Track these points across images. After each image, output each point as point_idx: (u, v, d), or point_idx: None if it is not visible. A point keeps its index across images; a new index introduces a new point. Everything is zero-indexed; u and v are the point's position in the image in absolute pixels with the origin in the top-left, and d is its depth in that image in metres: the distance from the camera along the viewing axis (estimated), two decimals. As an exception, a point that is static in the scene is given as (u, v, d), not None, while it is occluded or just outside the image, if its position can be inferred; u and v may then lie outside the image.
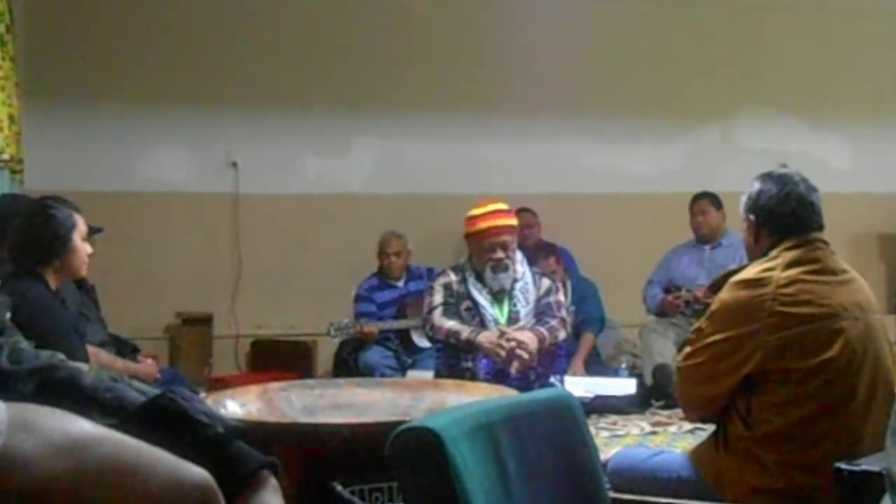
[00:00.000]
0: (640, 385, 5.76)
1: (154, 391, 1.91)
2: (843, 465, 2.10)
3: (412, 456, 1.69)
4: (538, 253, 6.22)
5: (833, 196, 7.25)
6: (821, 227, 2.88)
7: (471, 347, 4.55)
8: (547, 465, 1.96)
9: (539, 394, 2.31)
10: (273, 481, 1.26)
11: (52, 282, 3.51)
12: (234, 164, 6.94)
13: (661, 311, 6.33)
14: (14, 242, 3.55)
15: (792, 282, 2.73)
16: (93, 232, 4.33)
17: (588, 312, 6.41)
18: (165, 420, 1.24)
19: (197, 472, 1.05)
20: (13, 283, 3.26)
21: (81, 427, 0.96)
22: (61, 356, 2.48)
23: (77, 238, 3.53)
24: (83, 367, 2.38)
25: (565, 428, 2.05)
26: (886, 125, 8.09)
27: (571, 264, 6.71)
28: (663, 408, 5.63)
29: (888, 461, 1.54)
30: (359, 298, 6.40)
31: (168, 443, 1.08)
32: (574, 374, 5.75)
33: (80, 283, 4.41)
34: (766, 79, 7.82)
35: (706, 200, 6.48)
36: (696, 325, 2.92)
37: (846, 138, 8.10)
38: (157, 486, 1.01)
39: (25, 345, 2.60)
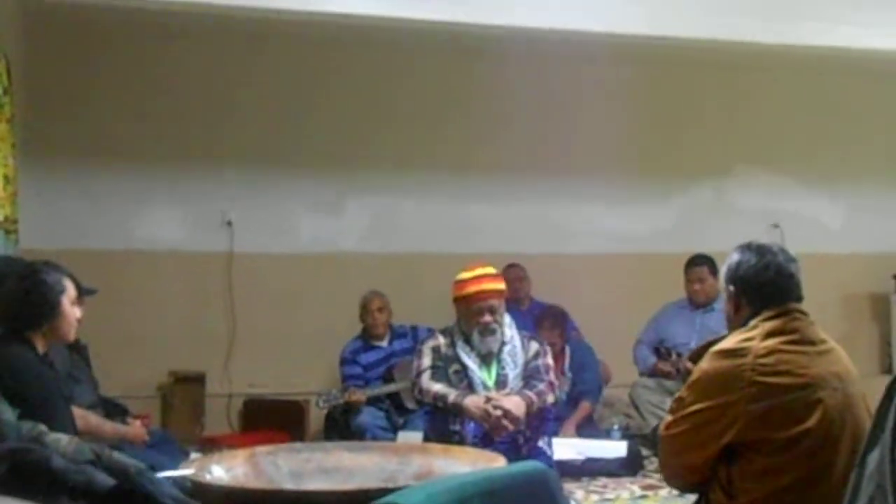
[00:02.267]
0: (632, 447, 5.74)
1: (131, 462, 1.94)
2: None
3: (383, 533, 1.72)
4: (544, 320, 6.25)
5: (825, 256, 7.46)
6: (799, 298, 2.91)
7: (458, 411, 4.56)
8: (521, 539, 1.98)
9: (516, 467, 2.33)
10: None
11: (41, 346, 3.53)
12: (229, 223, 6.99)
13: (652, 374, 6.34)
14: (3, 306, 3.58)
15: (771, 352, 2.76)
16: (86, 293, 4.37)
17: (587, 382, 6.41)
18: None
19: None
20: (0, 348, 3.28)
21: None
22: (42, 428, 2.52)
23: (66, 303, 3.55)
24: (63, 438, 2.41)
25: (540, 501, 2.07)
26: (879, 185, 8.13)
27: (571, 328, 6.70)
28: (656, 470, 5.61)
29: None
30: (344, 362, 6.40)
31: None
32: (565, 437, 5.74)
33: (72, 344, 4.43)
34: (759, 138, 7.88)
35: (704, 268, 6.39)
36: (678, 394, 2.95)
37: (839, 198, 8.13)
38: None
39: (8, 414, 2.64)
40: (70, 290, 3.58)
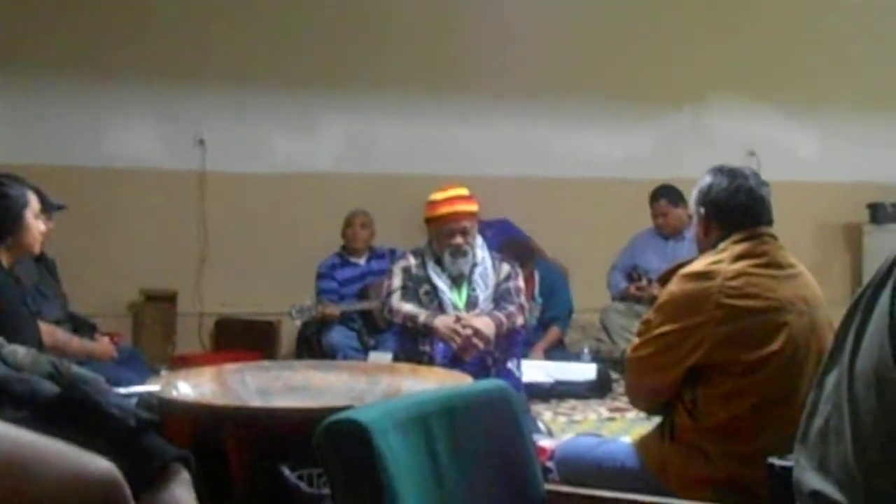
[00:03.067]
0: (601, 370, 5.77)
1: (89, 375, 1.91)
2: (774, 460, 2.12)
3: (339, 447, 1.70)
4: (505, 250, 6.15)
5: (800, 185, 7.45)
6: (770, 222, 2.90)
7: (428, 331, 4.55)
8: (481, 456, 1.97)
9: (476, 385, 2.32)
10: (185, 475, 1.26)
11: (5, 259, 3.49)
12: (202, 142, 6.91)
13: (623, 298, 6.36)
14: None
15: (739, 274, 2.76)
16: (55, 209, 4.32)
17: (557, 307, 6.41)
18: (77, 413, 1.24)
19: (101, 465, 1.05)
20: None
21: (-25, 425, 0.96)
22: (1, 340, 2.48)
23: (29, 216, 3.50)
24: (20, 350, 2.38)
25: (502, 419, 2.06)
26: (856, 114, 8.10)
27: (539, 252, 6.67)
28: (624, 394, 5.64)
29: (796, 469, 1.56)
30: (320, 276, 6.39)
31: (79, 436, 1.08)
32: (533, 360, 5.76)
33: (39, 258, 4.39)
34: (739, 64, 7.82)
35: (664, 201, 6.37)
36: (645, 316, 2.95)
37: (815, 127, 8.12)
38: (56, 480, 1.01)
39: (-35, 326, 2.61)
40: (33, 202, 3.53)
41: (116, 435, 1.22)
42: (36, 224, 3.53)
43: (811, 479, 1.54)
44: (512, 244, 6.28)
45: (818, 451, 1.55)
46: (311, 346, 6.19)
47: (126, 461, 1.08)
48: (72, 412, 1.24)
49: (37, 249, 3.64)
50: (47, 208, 4.12)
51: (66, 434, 1.06)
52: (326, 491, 2.72)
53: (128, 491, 1.05)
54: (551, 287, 6.43)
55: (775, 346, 2.71)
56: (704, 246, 2.95)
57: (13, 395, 1.28)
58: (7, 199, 3.46)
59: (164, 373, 4.73)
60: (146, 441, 1.25)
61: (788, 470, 2.13)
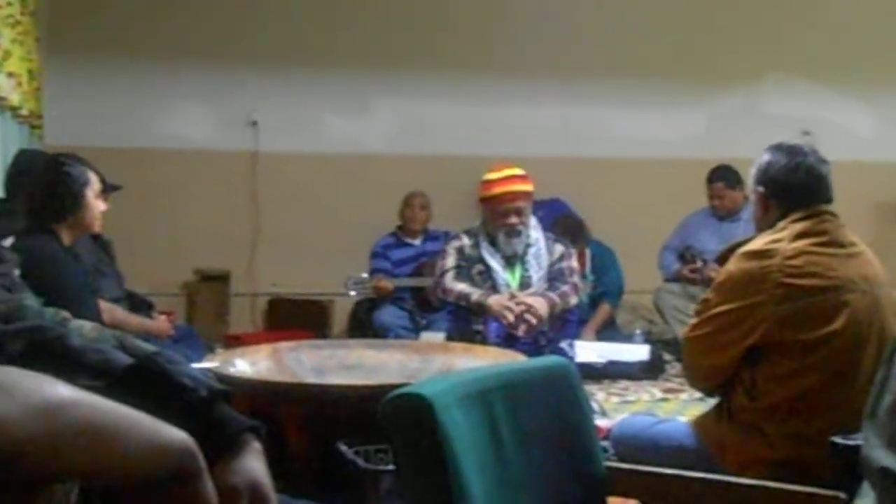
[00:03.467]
0: (654, 351, 5.75)
1: (152, 349, 1.94)
2: (837, 439, 2.10)
3: (403, 422, 1.71)
4: (557, 227, 6.13)
5: (857, 164, 7.35)
6: (829, 200, 2.86)
7: (481, 310, 4.56)
8: (542, 432, 1.97)
9: (536, 361, 2.32)
10: (256, 445, 1.27)
11: (66, 238, 3.54)
12: (254, 123, 6.96)
13: (676, 280, 6.31)
14: (28, 198, 3.59)
15: (799, 253, 2.72)
16: (111, 189, 4.37)
17: (608, 284, 6.39)
18: (149, 383, 1.26)
19: (177, 435, 1.06)
20: (26, 240, 3.30)
21: (58, 390, 0.97)
22: (66, 314, 2.52)
23: (90, 195, 3.55)
24: (86, 325, 2.42)
25: (562, 396, 2.06)
26: (913, 93, 7.98)
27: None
28: (677, 375, 5.62)
29: (864, 446, 1.54)
30: (374, 255, 6.43)
31: (152, 406, 1.09)
32: (584, 340, 5.75)
33: (96, 238, 4.45)
34: (793, 44, 7.72)
35: (721, 184, 6.32)
36: (704, 295, 2.93)
37: (872, 106, 7.99)
38: (135, 448, 1.02)
39: (32, 301, 2.65)
40: (94, 182, 3.59)
41: (189, 405, 1.23)
42: (96, 203, 3.58)
43: (880, 456, 1.52)
44: (563, 221, 6.27)
45: (888, 427, 1.53)
46: (363, 325, 6.22)
47: (199, 431, 1.09)
48: (145, 382, 1.26)
49: (97, 228, 3.69)
50: (104, 189, 4.18)
51: (140, 403, 1.08)
52: (383, 467, 2.75)
53: (203, 461, 1.06)
54: (602, 264, 6.40)
55: (836, 325, 2.68)
56: (763, 225, 2.91)
57: (89, 364, 1.29)
58: (68, 178, 3.51)
59: (219, 351, 4.80)
60: (218, 412, 1.26)
61: (852, 448, 2.13)
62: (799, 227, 2.78)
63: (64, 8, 6.49)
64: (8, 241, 3.41)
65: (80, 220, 3.55)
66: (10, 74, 4.60)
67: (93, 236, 4.22)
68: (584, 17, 7.29)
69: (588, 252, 6.35)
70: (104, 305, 3.88)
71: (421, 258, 6.41)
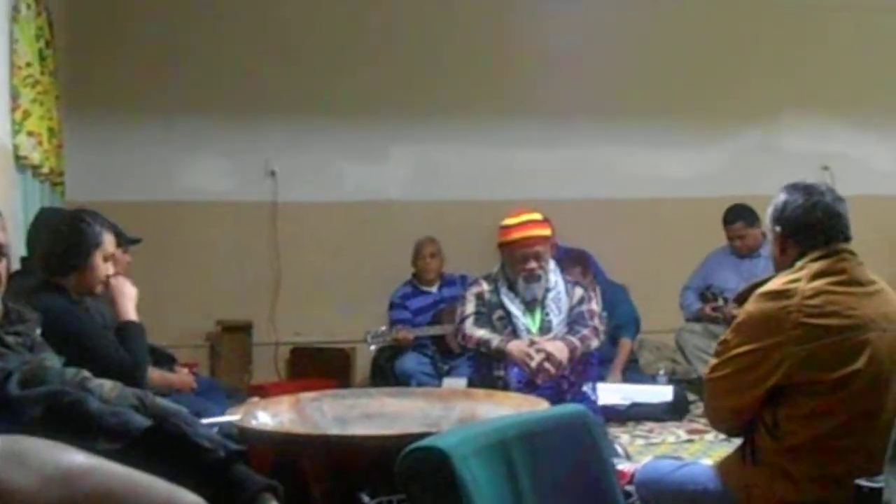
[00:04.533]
0: (678, 392, 5.72)
1: (174, 407, 1.95)
2: (862, 482, 2.08)
3: (422, 475, 1.71)
4: (564, 262, 6.14)
5: (875, 199, 7.31)
6: (847, 239, 2.85)
7: (501, 356, 4.55)
8: (561, 482, 1.97)
9: (555, 410, 2.32)
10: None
11: (74, 293, 3.53)
12: (273, 173, 7.01)
13: (698, 319, 6.29)
14: (40, 252, 3.59)
15: (818, 293, 2.71)
16: (130, 243, 4.39)
17: (621, 317, 6.36)
18: (168, 445, 1.27)
19: (191, 499, 1.07)
20: (36, 297, 3.28)
21: (72, 458, 0.98)
22: (86, 374, 2.53)
23: (97, 257, 3.51)
24: (106, 384, 2.43)
25: (581, 444, 2.05)
26: (931, 126, 7.96)
27: (597, 269, 6.63)
28: (702, 415, 5.58)
29: (886, 490, 1.53)
30: (393, 306, 6.44)
31: (171, 466, 1.10)
32: (610, 382, 5.72)
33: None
34: (808, 79, 7.72)
35: (741, 223, 6.31)
36: (723, 336, 2.91)
37: (889, 140, 7.97)
38: (148, 513, 1.03)
39: (53, 360, 2.66)
40: (107, 245, 3.56)
41: (207, 466, 1.24)
42: (103, 267, 3.53)
43: (902, 501, 1.51)
44: (568, 254, 6.28)
45: (909, 471, 1.52)
46: (385, 372, 6.22)
47: (216, 492, 1.10)
48: (163, 444, 1.26)
49: (98, 291, 3.61)
50: (123, 242, 4.19)
51: (157, 466, 1.08)
52: (406, 517, 2.74)
53: (217, 524, 1.06)
54: (613, 300, 6.37)
55: (858, 364, 2.66)
56: (781, 264, 2.90)
57: (107, 428, 1.31)
58: (81, 235, 3.49)
59: (248, 401, 4.78)
60: (235, 472, 1.27)
61: (876, 491, 2.11)
62: (817, 266, 2.77)
63: (83, 64, 6.56)
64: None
65: (82, 279, 3.51)
66: (31, 133, 4.64)
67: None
68: (598, 58, 7.32)
69: (598, 290, 6.33)
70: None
71: (439, 304, 6.42)
